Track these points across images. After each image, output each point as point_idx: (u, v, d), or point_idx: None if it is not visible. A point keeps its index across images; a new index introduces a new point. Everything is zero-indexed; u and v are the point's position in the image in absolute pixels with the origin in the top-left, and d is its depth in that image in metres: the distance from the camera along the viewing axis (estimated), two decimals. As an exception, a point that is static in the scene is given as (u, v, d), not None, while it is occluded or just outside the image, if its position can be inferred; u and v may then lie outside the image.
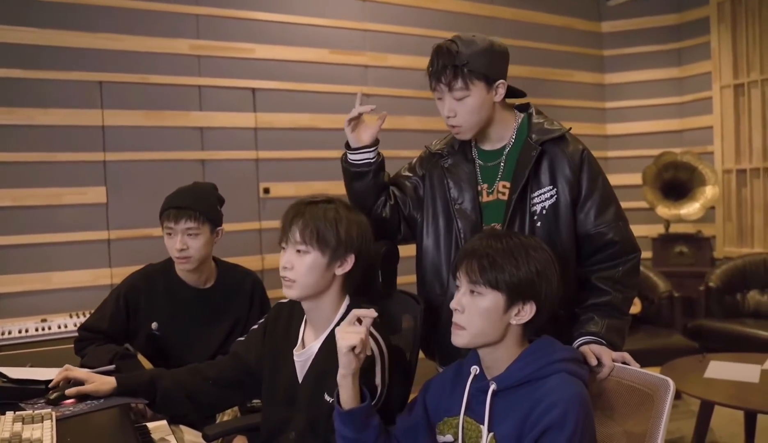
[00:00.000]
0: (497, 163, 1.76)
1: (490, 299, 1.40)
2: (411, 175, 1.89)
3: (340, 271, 1.60)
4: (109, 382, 1.71)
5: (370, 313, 1.41)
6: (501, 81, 1.68)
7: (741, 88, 4.78)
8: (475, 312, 1.41)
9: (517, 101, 1.83)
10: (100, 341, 2.16)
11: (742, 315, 4.35)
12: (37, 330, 2.99)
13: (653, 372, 1.43)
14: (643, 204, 4.85)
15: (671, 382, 1.36)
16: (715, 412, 2.96)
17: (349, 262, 1.61)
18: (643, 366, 3.99)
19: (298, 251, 1.58)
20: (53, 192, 3.42)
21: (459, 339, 1.44)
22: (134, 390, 1.73)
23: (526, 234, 1.57)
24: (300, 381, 1.65)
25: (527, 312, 1.41)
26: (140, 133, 3.61)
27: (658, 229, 4.95)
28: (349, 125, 1.75)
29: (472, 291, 1.42)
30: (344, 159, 1.81)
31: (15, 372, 1.89)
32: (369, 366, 1.51)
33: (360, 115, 1.75)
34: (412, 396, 1.65)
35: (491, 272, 1.39)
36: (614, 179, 5.18)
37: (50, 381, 1.75)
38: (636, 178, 4.88)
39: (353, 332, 1.38)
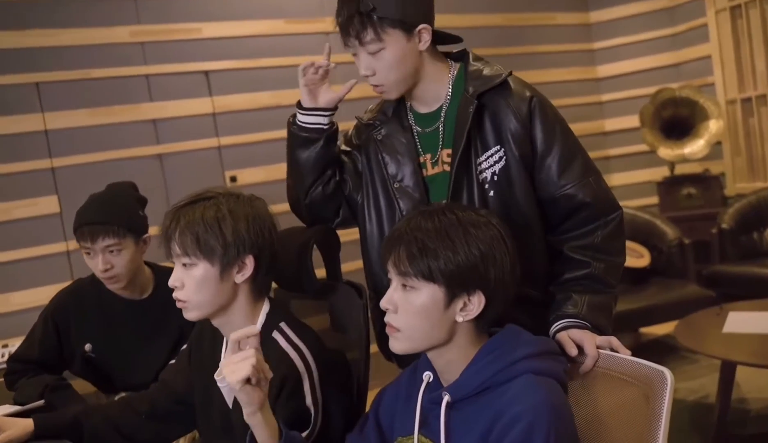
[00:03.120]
0: (436, 128, 1.48)
1: (426, 294, 1.14)
2: (349, 148, 1.61)
3: (240, 278, 1.35)
4: (25, 426, 1.49)
5: (248, 331, 1.16)
6: (423, 25, 1.39)
7: (738, 9, 4.45)
8: (410, 311, 1.15)
9: (454, 49, 1.54)
10: (32, 372, 1.94)
11: (761, 256, 4.06)
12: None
13: (649, 363, 1.15)
14: (643, 147, 4.59)
15: (668, 375, 1.08)
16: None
17: (249, 265, 1.35)
18: (658, 322, 3.76)
19: (184, 265, 1.33)
20: (1, 208, 3.19)
21: (396, 344, 1.18)
22: (56, 432, 1.51)
23: (466, 207, 1.29)
24: (231, 408, 1.40)
25: (475, 304, 1.15)
26: (88, 133, 3.36)
27: (662, 172, 4.68)
28: (304, 76, 1.49)
29: (404, 286, 1.16)
30: (292, 121, 1.55)
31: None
32: (293, 388, 1.27)
33: (326, 71, 1.49)
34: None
35: (423, 260, 1.13)
36: (611, 124, 5.00)
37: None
38: (633, 121, 4.61)
39: (240, 361, 1.12)
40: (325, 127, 1.52)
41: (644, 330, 4.07)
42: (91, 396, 2.07)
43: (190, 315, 1.37)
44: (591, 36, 5.00)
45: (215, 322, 1.41)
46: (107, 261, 1.86)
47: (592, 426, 1.21)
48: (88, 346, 1.97)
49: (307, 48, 3.78)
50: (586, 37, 4.99)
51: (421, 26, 1.39)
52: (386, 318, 1.19)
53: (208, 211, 1.34)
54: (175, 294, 1.36)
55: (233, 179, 3.65)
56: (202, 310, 1.36)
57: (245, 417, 1.16)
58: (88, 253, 1.89)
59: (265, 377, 1.13)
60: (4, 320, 3.19)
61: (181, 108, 3.56)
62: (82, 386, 2.06)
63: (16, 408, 1.79)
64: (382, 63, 1.39)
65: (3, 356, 2.79)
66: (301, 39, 3.80)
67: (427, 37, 1.41)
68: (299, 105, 1.53)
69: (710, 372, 3.21)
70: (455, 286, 1.13)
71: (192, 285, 1.33)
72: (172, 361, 1.69)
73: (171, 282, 1.36)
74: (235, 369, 1.11)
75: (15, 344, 2.91)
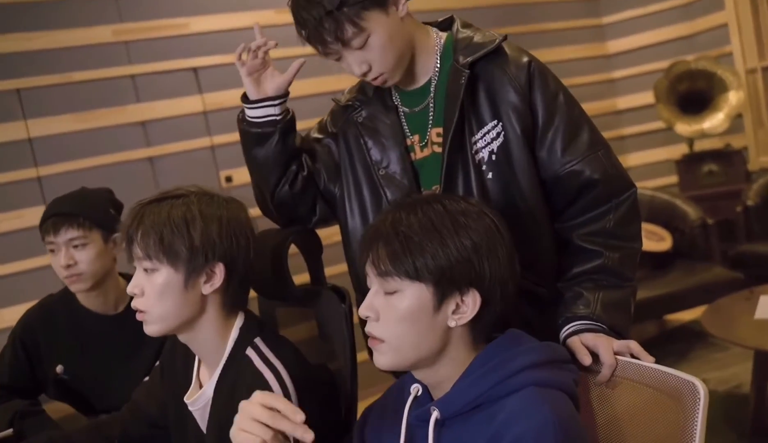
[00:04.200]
0: (425, 105, 1.30)
1: (412, 295, 0.98)
2: (322, 136, 1.45)
3: (209, 288, 1.19)
4: None
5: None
6: None
7: (754, -27, 4.23)
8: (394, 318, 0.98)
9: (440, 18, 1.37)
10: (3, 398, 1.81)
11: (789, 232, 3.85)
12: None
13: (679, 371, 0.96)
14: (659, 124, 4.38)
15: (701, 387, 0.90)
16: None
17: (219, 275, 1.19)
18: (683, 308, 3.56)
19: (146, 270, 1.18)
20: (-15, 221, 3.05)
21: (381, 358, 1.02)
22: None
23: (452, 195, 1.11)
24: (205, 432, 1.25)
25: (469, 305, 0.98)
26: (73, 139, 3.20)
27: (680, 150, 4.46)
28: (243, 66, 1.33)
29: (385, 288, 0.99)
30: (241, 118, 1.38)
31: None
32: None
33: (260, 53, 1.33)
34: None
35: (406, 257, 0.97)
36: (624, 101, 4.77)
37: None
38: (648, 97, 4.39)
39: (250, 427, 0.93)
40: (278, 117, 1.35)
41: (669, 317, 3.88)
42: (68, 420, 1.93)
43: (150, 328, 1.22)
44: (599, 10, 4.78)
45: (182, 338, 1.26)
46: (69, 257, 1.73)
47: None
48: (59, 368, 1.83)
49: (303, 46, 3.62)
50: (593, 11, 4.76)
51: None
52: (367, 328, 1.03)
53: (176, 210, 1.19)
54: (134, 303, 1.21)
55: (228, 179, 3.49)
56: (164, 323, 1.21)
57: None
58: (52, 250, 1.77)
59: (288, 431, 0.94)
60: (-5, 339, 3.07)
61: (170, 108, 3.40)
62: (61, 409, 1.93)
63: None
64: (374, 51, 1.22)
65: None
66: (293, 29, 3.62)
67: (402, 2, 1.24)
68: (245, 99, 1.36)
69: (743, 360, 2.99)
70: (445, 285, 0.97)
71: (153, 293, 1.19)
72: (146, 378, 1.54)
73: (130, 289, 1.21)
74: (247, 430, 0.93)
75: (7, 362, 2.81)
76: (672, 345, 3.52)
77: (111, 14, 3.30)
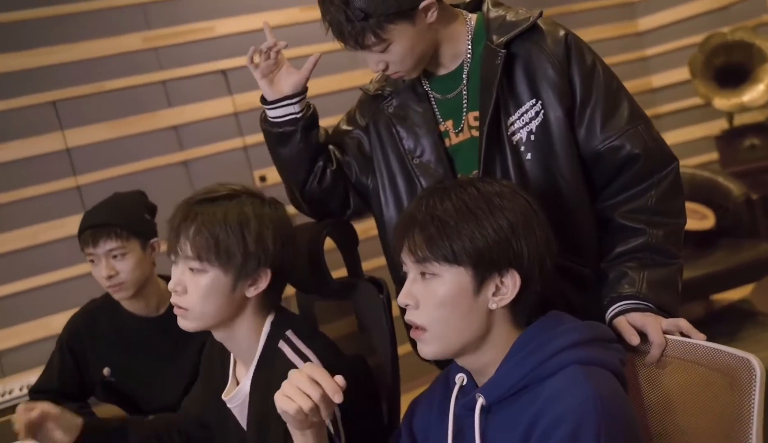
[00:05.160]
0: (458, 91, 1.28)
1: (451, 280, 0.96)
2: (351, 128, 1.43)
3: (253, 292, 1.19)
4: (76, 424, 1.35)
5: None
6: (425, 2, 1.18)
7: (790, -63, 4.08)
8: (434, 304, 0.97)
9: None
10: (54, 402, 1.83)
11: (839, 204, 3.72)
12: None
13: (732, 348, 0.93)
14: (696, 100, 4.26)
15: (756, 363, 0.86)
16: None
17: (264, 280, 1.18)
18: (730, 287, 3.46)
19: (191, 269, 1.16)
20: (29, 232, 3.12)
21: (425, 347, 1.01)
22: (102, 436, 1.40)
23: (484, 178, 1.09)
24: (246, 429, 1.26)
25: (509, 286, 0.97)
26: (109, 147, 3.26)
27: (720, 125, 4.33)
28: (256, 68, 1.32)
29: (423, 274, 0.99)
30: (263, 118, 1.38)
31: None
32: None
33: (272, 53, 1.31)
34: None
35: (444, 242, 0.96)
36: (659, 79, 4.65)
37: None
38: (683, 73, 4.27)
39: (299, 393, 0.98)
40: (299, 115, 1.34)
41: (716, 297, 3.78)
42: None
43: (187, 324, 1.21)
44: (628, -13, 4.68)
45: (216, 335, 1.26)
46: (111, 267, 1.75)
47: (664, 426, 1.00)
48: (106, 370, 1.86)
49: (326, 35, 3.61)
50: (623, -11, 4.67)
51: (423, 3, 1.18)
52: (407, 317, 1.02)
53: (231, 212, 1.17)
54: (175, 300, 1.20)
55: (263, 179, 3.51)
56: (202, 321, 1.21)
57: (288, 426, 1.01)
58: (92, 261, 1.78)
59: (316, 414, 0.98)
60: (45, 345, 3.10)
61: (201, 111, 3.43)
62: (110, 410, 1.97)
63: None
64: (393, 56, 1.21)
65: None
66: (318, 26, 3.60)
67: (432, 9, 1.20)
68: (264, 100, 1.35)
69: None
70: (484, 267, 0.96)
71: (197, 292, 1.18)
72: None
73: (171, 286, 1.20)
74: (278, 400, 0.98)
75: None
76: (720, 326, 3.42)
77: (139, 22, 3.34)
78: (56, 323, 3.15)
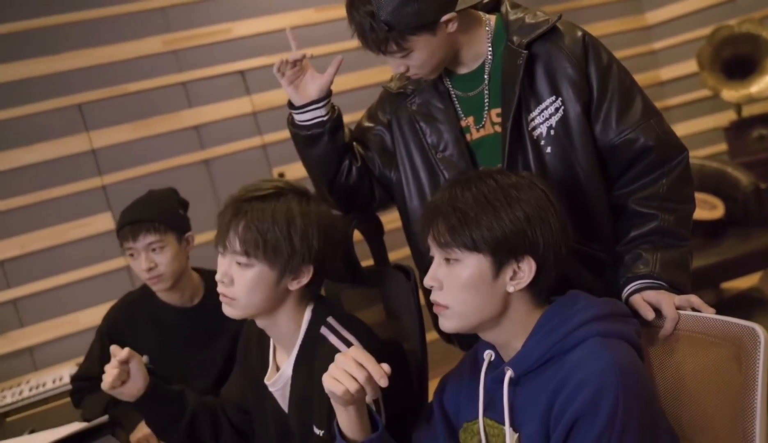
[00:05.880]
0: (480, 90, 1.36)
1: (472, 265, 1.05)
2: (373, 124, 1.51)
3: (295, 285, 1.27)
4: (145, 377, 1.39)
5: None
6: (446, 16, 1.26)
7: (795, -70, 4.12)
8: (456, 286, 1.06)
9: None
10: (96, 388, 1.93)
11: None
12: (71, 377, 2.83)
13: (737, 320, 1.01)
14: (705, 92, 4.31)
15: (761, 331, 0.95)
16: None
17: (307, 275, 1.26)
18: (740, 275, 3.52)
19: (238, 263, 1.24)
20: (57, 230, 3.23)
21: (446, 322, 1.10)
22: (166, 397, 1.45)
23: (503, 170, 1.18)
24: (287, 412, 1.34)
25: (525, 271, 1.05)
26: (133, 147, 3.36)
27: (728, 117, 4.37)
28: (283, 76, 1.39)
29: (447, 260, 1.07)
30: (290, 122, 1.45)
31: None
32: None
33: (298, 62, 1.38)
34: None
35: (464, 231, 1.04)
36: (667, 72, 4.70)
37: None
38: (691, 66, 4.32)
39: (339, 376, 1.06)
40: (325, 118, 1.41)
41: (726, 285, 3.83)
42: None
43: (233, 312, 1.29)
44: (635, -18, 4.74)
45: (259, 323, 1.34)
46: (150, 260, 1.84)
47: (677, 395, 1.09)
48: (145, 358, 1.93)
49: (341, 34, 3.59)
50: (630, -16, 4.72)
51: (444, 18, 1.26)
52: (432, 297, 1.11)
53: (279, 210, 1.23)
54: (222, 290, 1.27)
55: (281, 175, 3.58)
56: (246, 310, 1.28)
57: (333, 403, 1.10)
58: (132, 255, 1.87)
59: (360, 394, 1.06)
60: (74, 339, 3.23)
61: (221, 110, 3.53)
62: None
63: (84, 424, 1.83)
64: (416, 62, 1.30)
65: (75, 375, 2.82)
66: (333, 26, 3.68)
67: (453, 22, 1.28)
68: (291, 105, 1.43)
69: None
70: (502, 254, 1.04)
71: (243, 285, 1.25)
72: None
73: (219, 276, 1.27)
74: (326, 381, 1.06)
75: (88, 362, 2.98)
76: (731, 314, 3.44)
77: (159, 25, 3.44)
78: (84, 319, 3.26)
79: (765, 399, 0.94)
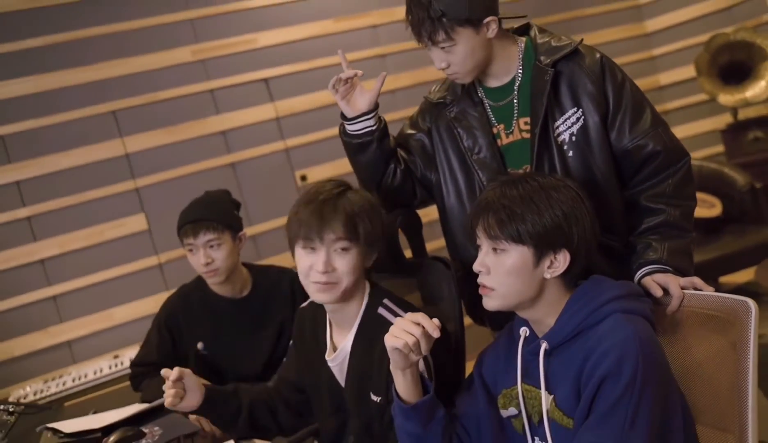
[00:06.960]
0: (510, 100, 1.56)
1: (516, 255, 1.24)
2: (414, 131, 1.71)
3: (367, 263, 1.48)
4: (200, 393, 1.55)
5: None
6: (490, 18, 1.47)
7: (788, -59, 4.29)
8: (502, 272, 1.25)
9: (516, 24, 1.63)
10: (153, 373, 2.12)
11: (838, 190, 3.94)
12: (111, 368, 3.02)
13: (732, 296, 1.22)
14: (702, 96, 4.49)
15: (752, 304, 1.15)
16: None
17: (371, 258, 1.47)
18: (737, 269, 3.70)
19: (342, 249, 1.42)
20: (93, 231, 3.41)
21: (490, 301, 1.29)
22: (221, 398, 1.61)
23: (544, 174, 1.38)
24: (344, 386, 1.53)
25: (561, 262, 1.24)
26: (164, 151, 3.55)
27: (724, 120, 4.55)
28: (337, 92, 1.58)
29: (494, 249, 1.26)
30: (342, 131, 1.65)
31: (70, 425, 1.87)
32: None
33: (349, 79, 1.58)
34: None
35: (511, 225, 1.23)
36: (666, 77, 4.91)
37: (107, 426, 1.75)
38: (689, 71, 4.50)
39: (405, 331, 1.25)
40: (374, 128, 1.60)
41: (724, 279, 4.00)
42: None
43: (324, 296, 1.44)
44: (636, -8, 4.91)
45: (331, 307, 1.50)
46: (208, 256, 2.02)
47: (683, 363, 1.29)
48: (200, 345, 2.13)
49: (358, 43, 3.87)
50: (630, -7, 4.90)
51: (487, 19, 1.47)
52: (480, 279, 1.29)
53: (356, 200, 1.44)
54: (317, 278, 1.41)
55: (303, 178, 3.76)
56: (343, 294, 1.45)
57: (391, 368, 1.29)
58: (191, 250, 2.05)
59: (417, 352, 1.25)
60: (111, 334, 3.41)
61: (246, 117, 3.70)
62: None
63: (144, 405, 1.97)
64: (456, 56, 1.49)
65: (116, 366, 3.00)
66: (351, 35, 3.87)
67: (494, 27, 1.49)
68: (343, 116, 1.62)
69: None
70: (542, 246, 1.23)
71: (345, 268, 1.42)
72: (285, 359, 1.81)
73: (322, 267, 1.40)
74: (389, 338, 1.25)
75: (124, 354, 3.16)
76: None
77: (188, 36, 3.62)
78: (119, 314, 3.44)
79: (756, 356, 1.15)
